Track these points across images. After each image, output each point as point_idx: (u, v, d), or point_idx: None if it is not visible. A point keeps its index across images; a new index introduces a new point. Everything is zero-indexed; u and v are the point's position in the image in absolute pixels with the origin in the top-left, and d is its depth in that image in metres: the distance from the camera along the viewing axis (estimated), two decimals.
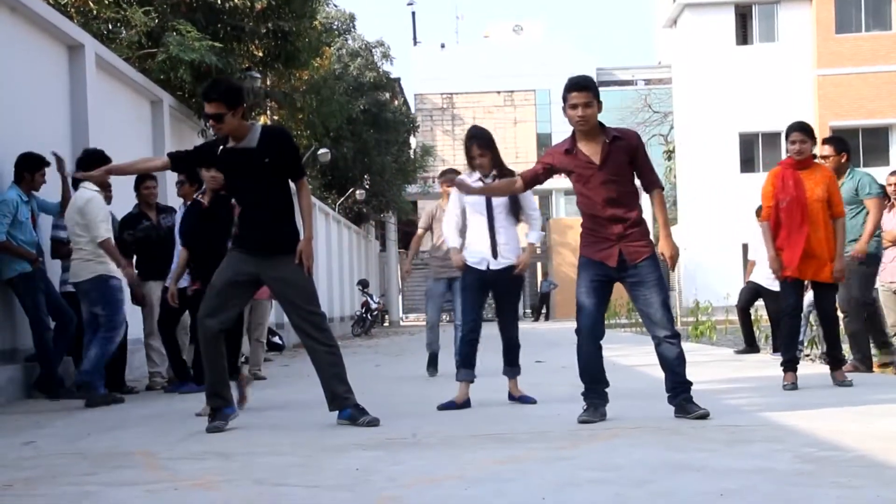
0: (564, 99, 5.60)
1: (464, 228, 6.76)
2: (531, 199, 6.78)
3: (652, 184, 5.72)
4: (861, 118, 35.59)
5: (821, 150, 8.17)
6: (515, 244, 6.71)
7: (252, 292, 6.10)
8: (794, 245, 7.07)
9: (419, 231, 9.44)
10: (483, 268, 6.62)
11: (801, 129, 7.25)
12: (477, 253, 6.64)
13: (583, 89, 5.53)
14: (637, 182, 5.72)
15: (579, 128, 5.57)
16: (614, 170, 5.57)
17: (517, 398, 6.76)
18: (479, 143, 6.55)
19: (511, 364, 6.79)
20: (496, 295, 6.77)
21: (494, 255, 6.61)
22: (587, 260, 5.70)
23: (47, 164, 8.31)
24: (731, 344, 13.75)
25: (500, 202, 6.58)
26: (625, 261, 5.58)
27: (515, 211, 6.68)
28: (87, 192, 7.73)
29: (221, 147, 5.81)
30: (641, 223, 5.65)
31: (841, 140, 8.36)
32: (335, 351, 5.88)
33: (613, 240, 5.58)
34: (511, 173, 6.53)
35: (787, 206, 7.10)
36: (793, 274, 7.14)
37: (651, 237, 5.75)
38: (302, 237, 5.82)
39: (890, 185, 9.08)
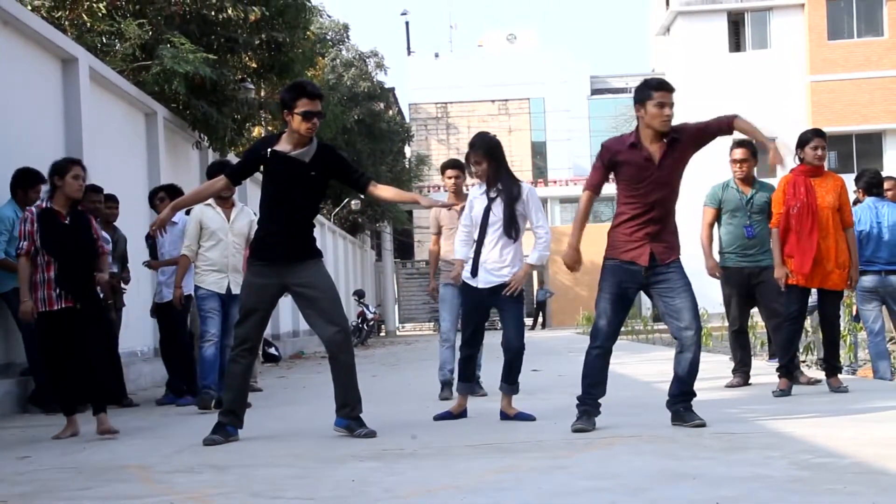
0: (646, 97, 5.57)
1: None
2: (539, 215, 6.38)
3: (729, 123, 5.67)
4: (854, 124, 35.70)
5: (733, 153, 8.02)
6: (512, 261, 6.34)
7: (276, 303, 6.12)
8: (805, 252, 7.08)
9: (433, 238, 8.54)
10: (475, 284, 6.41)
11: (822, 136, 7.30)
12: (469, 268, 6.47)
13: (669, 90, 5.58)
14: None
15: (663, 128, 5.57)
16: (670, 171, 5.61)
17: (512, 417, 6.30)
18: (475, 151, 6.36)
19: (509, 380, 6.38)
20: (497, 308, 6.50)
21: (474, 272, 6.37)
22: (615, 263, 5.66)
23: (43, 180, 8.28)
24: (727, 351, 13.71)
25: (496, 217, 6.32)
26: (656, 261, 5.58)
27: (515, 227, 6.31)
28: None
29: (271, 150, 5.78)
30: (674, 226, 5.71)
31: (751, 144, 8.07)
32: (353, 360, 5.90)
33: (646, 240, 5.59)
34: (517, 182, 6.41)
35: (797, 213, 7.11)
36: (801, 281, 7.15)
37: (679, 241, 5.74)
38: (422, 201, 6.08)
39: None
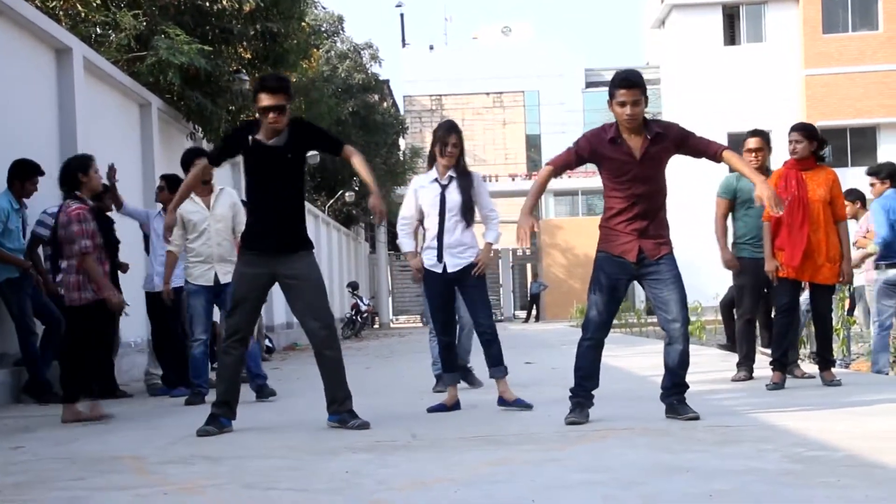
0: (612, 94, 5.52)
1: (420, 229, 6.74)
2: (488, 199, 6.69)
3: (717, 151, 5.64)
4: (848, 118, 35.75)
5: (747, 142, 7.92)
6: (472, 244, 6.56)
7: (267, 292, 6.14)
8: (795, 244, 7.08)
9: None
10: (440, 270, 6.52)
11: (799, 129, 7.27)
12: (433, 255, 6.56)
13: (632, 86, 5.48)
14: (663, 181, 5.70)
15: (626, 125, 5.53)
16: (651, 167, 5.57)
17: (511, 403, 6.37)
18: (457, 133, 6.52)
19: (494, 363, 6.47)
20: (461, 291, 6.64)
21: (440, 257, 6.50)
22: (606, 256, 5.67)
23: (41, 172, 8.27)
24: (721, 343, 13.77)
25: (454, 203, 6.48)
26: (644, 257, 5.58)
27: (470, 212, 6.57)
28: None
29: (252, 138, 5.80)
30: (664, 221, 5.69)
31: (766, 134, 8.06)
32: (340, 354, 5.91)
33: (635, 235, 5.59)
34: (469, 174, 6.56)
35: (788, 206, 7.10)
36: (791, 274, 7.15)
37: (671, 235, 5.73)
38: (372, 194, 5.89)
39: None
